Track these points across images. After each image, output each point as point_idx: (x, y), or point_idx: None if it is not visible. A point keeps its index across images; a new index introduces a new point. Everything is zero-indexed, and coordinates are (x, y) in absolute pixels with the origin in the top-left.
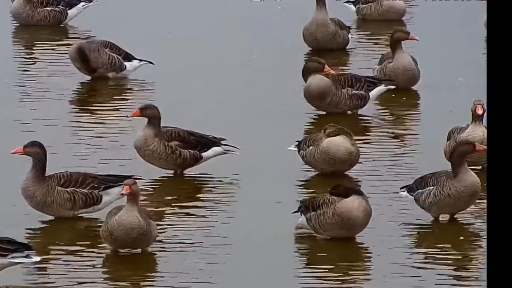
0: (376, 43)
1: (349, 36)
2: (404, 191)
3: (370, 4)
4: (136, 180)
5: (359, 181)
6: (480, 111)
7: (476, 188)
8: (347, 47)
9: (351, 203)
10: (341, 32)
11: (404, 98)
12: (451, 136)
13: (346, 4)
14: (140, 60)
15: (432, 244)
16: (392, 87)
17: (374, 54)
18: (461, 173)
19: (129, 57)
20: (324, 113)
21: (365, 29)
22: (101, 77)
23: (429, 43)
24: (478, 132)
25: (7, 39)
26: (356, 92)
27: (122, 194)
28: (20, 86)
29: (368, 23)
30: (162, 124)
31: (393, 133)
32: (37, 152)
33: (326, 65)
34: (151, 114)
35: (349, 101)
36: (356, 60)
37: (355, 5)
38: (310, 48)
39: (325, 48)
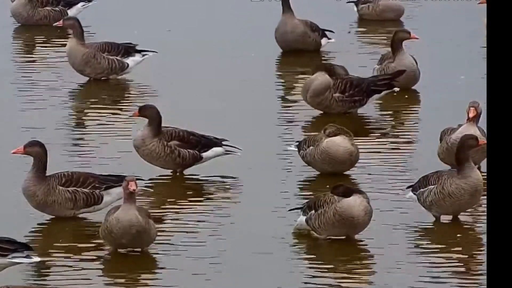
0: (374, 43)
1: (325, 40)
2: (409, 191)
3: (368, 4)
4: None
5: (359, 181)
6: (471, 114)
7: (478, 186)
8: (343, 48)
9: (352, 202)
10: (311, 34)
11: (406, 96)
12: (443, 137)
13: (349, 4)
14: (143, 54)
15: (433, 244)
16: (396, 89)
17: (372, 54)
18: (466, 168)
19: (129, 51)
20: (324, 113)
21: (363, 29)
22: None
23: (429, 43)
24: (469, 131)
25: (7, 39)
26: (347, 98)
27: (129, 192)
28: (20, 85)
29: (366, 23)
30: (163, 124)
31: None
32: (37, 152)
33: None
34: (148, 114)
35: (341, 103)
36: (355, 60)
37: (356, 6)
38: (310, 48)
39: (296, 49)
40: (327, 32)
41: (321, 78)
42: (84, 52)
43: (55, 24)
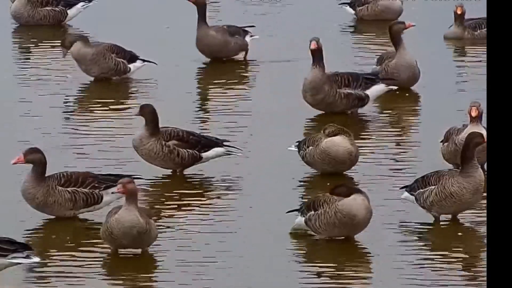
0: (373, 43)
1: (248, 38)
2: (404, 191)
3: (366, 5)
4: (134, 180)
5: (359, 181)
6: (474, 113)
7: (480, 186)
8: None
9: (353, 201)
10: (231, 39)
11: (407, 94)
12: (449, 137)
13: (343, 6)
14: (144, 61)
15: (432, 244)
16: (395, 87)
17: (372, 54)
18: (470, 167)
19: (133, 59)
20: (324, 113)
21: (362, 29)
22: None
23: (428, 42)
24: (476, 130)
25: (7, 39)
26: (352, 92)
27: (113, 193)
28: (19, 85)
29: (365, 23)
30: (163, 125)
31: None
32: (39, 158)
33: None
34: (145, 113)
35: (346, 100)
36: (355, 60)
37: (351, 7)
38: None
39: (221, 57)
40: (248, 29)
41: (312, 74)
42: (93, 51)
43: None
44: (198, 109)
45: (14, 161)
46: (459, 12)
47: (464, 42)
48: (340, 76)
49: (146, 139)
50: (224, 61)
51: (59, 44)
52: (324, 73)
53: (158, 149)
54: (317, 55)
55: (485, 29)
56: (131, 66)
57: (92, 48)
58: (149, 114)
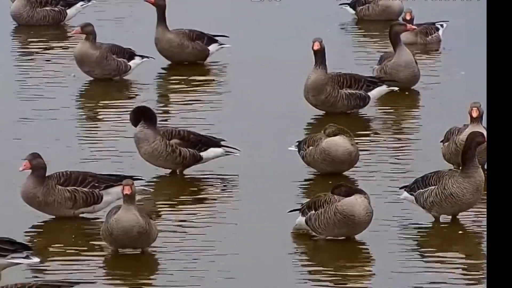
0: (374, 43)
1: (215, 46)
2: (404, 191)
3: (367, 5)
4: (134, 181)
5: (358, 181)
6: (475, 114)
7: (480, 186)
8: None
9: (354, 201)
10: (188, 44)
11: (406, 93)
12: (449, 137)
13: (343, 6)
14: (142, 57)
15: (432, 244)
16: (396, 88)
17: (372, 54)
18: (471, 167)
19: (131, 56)
20: (324, 113)
21: (362, 29)
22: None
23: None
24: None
25: (7, 39)
26: (354, 92)
27: (125, 195)
28: (19, 85)
29: (366, 23)
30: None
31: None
32: (42, 163)
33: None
34: (146, 113)
35: (347, 101)
36: (355, 60)
37: (351, 7)
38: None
39: (182, 60)
40: (219, 38)
41: (314, 74)
42: (97, 54)
43: (74, 33)
44: (198, 108)
45: (21, 168)
46: (408, 17)
47: (417, 47)
48: (342, 77)
49: (152, 138)
50: (223, 61)
51: (59, 44)
52: (327, 73)
53: (162, 148)
54: (319, 55)
55: (435, 34)
56: (131, 63)
57: (96, 50)
58: (150, 114)
